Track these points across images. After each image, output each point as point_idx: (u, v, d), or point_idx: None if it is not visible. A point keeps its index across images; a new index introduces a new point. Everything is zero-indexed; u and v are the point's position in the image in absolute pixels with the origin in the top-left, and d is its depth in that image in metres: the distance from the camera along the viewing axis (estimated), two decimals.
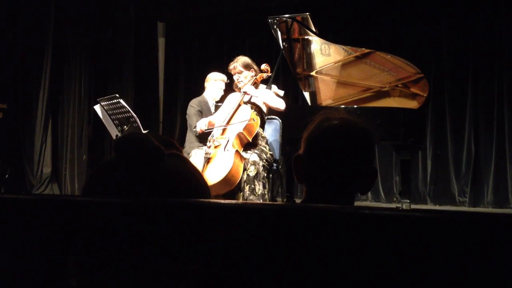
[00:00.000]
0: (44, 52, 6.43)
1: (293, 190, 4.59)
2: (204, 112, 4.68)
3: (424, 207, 5.99)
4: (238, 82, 4.29)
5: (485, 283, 0.47)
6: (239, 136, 3.91)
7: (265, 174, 3.86)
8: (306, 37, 4.60)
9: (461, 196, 6.01)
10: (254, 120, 3.91)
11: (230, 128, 3.97)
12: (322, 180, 1.32)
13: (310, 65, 4.73)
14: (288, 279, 0.59)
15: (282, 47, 4.59)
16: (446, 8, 6.21)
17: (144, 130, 4.46)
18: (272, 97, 4.20)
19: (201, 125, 4.27)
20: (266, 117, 4.30)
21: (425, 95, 4.37)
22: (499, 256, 0.47)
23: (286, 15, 4.50)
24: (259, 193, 3.76)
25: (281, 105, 4.17)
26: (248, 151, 3.92)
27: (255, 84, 4.26)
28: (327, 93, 4.79)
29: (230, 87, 4.71)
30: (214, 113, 4.68)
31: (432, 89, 5.44)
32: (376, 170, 1.39)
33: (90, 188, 0.75)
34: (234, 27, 7.36)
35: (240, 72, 4.26)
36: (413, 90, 4.44)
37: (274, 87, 4.37)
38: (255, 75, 4.26)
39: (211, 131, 4.09)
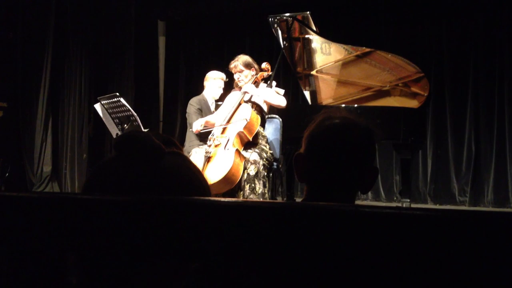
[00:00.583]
0: (44, 50, 6.43)
1: (293, 189, 4.59)
2: (204, 110, 4.68)
3: (424, 206, 5.99)
4: (239, 81, 4.29)
5: (486, 282, 0.47)
6: (240, 135, 3.91)
7: (265, 173, 3.86)
8: (306, 36, 4.60)
9: (461, 195, 6.01)
10: (247, 120, 3.90)
11: (230, 127, 3.97)
12: (323, 179, 1.32)
13: (310, 64, 4.73)
14: (289, 277, 0.59)
15: (282, 46, 4.59)
16: (446, 7, 6.21)
17: (144, 128, 4.45)
18: (272, 95, 4.20)
19: (196, 125, 4.28)
20: (266, 116, 4.30)
21: (425, 94, 4.37)
22: (499, 255, 0.47)
23: (287, 14, 4.49)
24: (259, 192, 3.76)
25: (282, 102, 4.17)
26: (249, 150, 3.92)
27: (256, 83, 4.26)
28: (328, 92, 4.79)
29: (229, 86, 4.71)
30: (214, 111, 4.68)
31: (433, 88, 5.45)
32: (377, 169, 1.39)
33: (90, 187, 0.75)
34: (235, 26, 7.36)
35: (240, 71, 4.25)
36: (414, 89, 4.44)
37: (274, 83, 4.36)
38: (256, 74, 4.26)
39: (211, 130, 4.09)
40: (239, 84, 4.30)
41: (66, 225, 0.60)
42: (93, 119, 6.73)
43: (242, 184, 3.78)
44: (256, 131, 4.01)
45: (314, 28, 4.51)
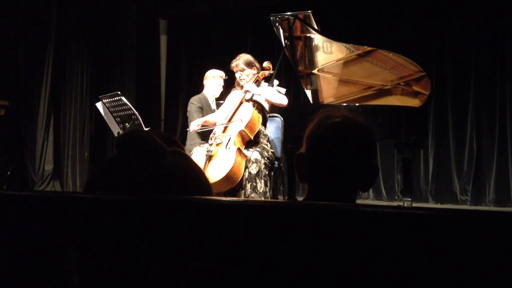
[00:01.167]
0: (46, 49, 6.44)
1: (294, 188, 4.59)
2: (204, 109, 4.69)
3: (425, 205, 5.98)
4: (240, 80, 4.29)
5: (487, 282, 0.47)
6: (241, 134, 3.91)
7: (267, 172, 3.86)
8: (308, 35, 4.59)
9: (463, 194, 6.01)
10: (241, 121, 3.91)
11: (231, 125, 3.97)
12: (325, 178, 1.32)
13: (312, 63, 4.73)
14: (290, 276, 0.59)
15: (284, 45, 4.59)
16: (448, 7, 6.20)
17: (146, 127, 4.46)
18: (274, 94, 4.20)
19: (193, 125, 4.29)
20: (268, 115, 4.29)
21: (427, 93, 4.36)
22: (500, 255, 0.47)
23: (288, 13, 4.49)
24: (261, 191, 3.76)
25: (283, 100, 4.17)
26: (250, 149, 3.92)
27: (257, 82, 4.26)
28: (329, 91, 4.79)
29: (230, 84, 4.71)
30: (214, 110, 4.68)
31: (434, 87, 5.44)
32: (377, 167, 1.39)
33: (92, 185, 0.75)
34: (236, 24, 7.36)
35: (242, 70, 4.25)
36: (415, 88, 4.43)
37: (276, 82, 4.36)
38: (257, 73, 4.26)
39: (212, 129, 4.09)
40: (241, 83, 4.29)
41: (68, 224, 0.60)
42: (94, 117, 6.73)
43: (244, 183, 3.78)
44: (257, 130, 4.01)
45: (316, 27, 4.51)
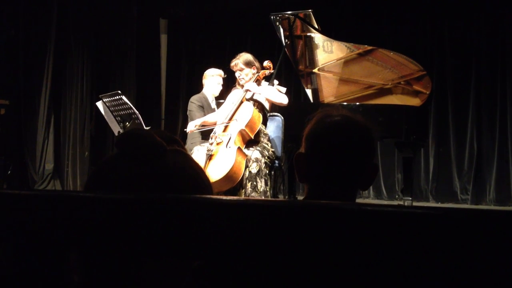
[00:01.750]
0: (46, 48, 6.44)
1: (295, 187, 4.59)
2: (205, 108, 4.70)
3: (426, 204, 5.98)
4: (240, 79, 4.29)
5: (487, 281, 0.47)
6: (241, 133, 3.91)
7: (267, 171, 3.86)
8: (308, 34, 4.59)
9: (463, 193, 6.01)
10: (242, 120, 3.91)
11: (232, 125, 3.97)
12: (325, 177, 1.32)
13: (312, 62, 4.73)
14: (290, 275, 0.59)
15: (284, 44, 4.59)
16: (449, 6, 6.20)
17: (146, 126, 4.46)
18: (274, 93, 4.20)
19: (191, 126, 4.30)
20: (268, 114, 4.30)
21: (427, 93, 4.36)
22: (501, 254, 0.47)
23: (289, 12, 4.49)
24: (261, 190, 3.77)
25: (284, 100, 4.17)
26: (250, 148, 3.92)
27: (258, 81, 4.26)
28: (329, 90, 4.79)
29: (229, 83, 4.72)
30: (215, 109, 4.69)
31: (435, 86, 5.44)
32: (377, 166, 1.39)
33: (92, 184, 0.75)
34: (237, 23, 7.36)
35: (241, 70, 4.25)
36: (416, 87, 4.43)
37: (276, 82, 4.36)
38: (257, 72, 4.26)
39: (212, 129, 4.09)
40: (240, 83, 4.30)
41: (68, 223, 0.60)
42: (95, 116, 6.73)
43: (244, 182, 3.78)
44: (258, 129, 4.01)
45: (316, 26, 4.51)
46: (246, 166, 3.79)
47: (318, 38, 4.58)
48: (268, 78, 4.37)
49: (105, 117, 4.84)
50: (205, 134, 4.36)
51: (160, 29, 7.79)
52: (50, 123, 6.53)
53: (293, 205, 0.54)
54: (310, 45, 4.65)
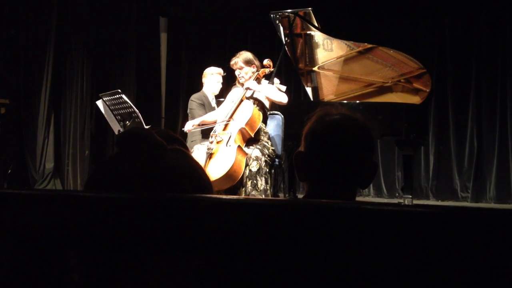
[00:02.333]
0: (46, 47, 6.44)
1: (295, 186, 4.59)
2: (205, 106, 4.71)
3: (426, 202, 5.99)
4: (239, 78, 4.29)
5: (487, 279, 0.47)
6: (241, 132, 3.91)
7: (267, 170, 3.86)
8: (308, 32, 4.59)
9: (464, 191, 6.01)
10: (236, 119, 3.92)
11: (232, 123, 3.98)
12: (325, 175, 1.32)
13: (312, 60, 4.72)
14: (290, 274, 0.59)
15: (284, 42, 4.58)
16: (449, 4, 6.19)
17: (146, 125, 4.46)
18: (274, 92, 4.20)
19: (188, 125, 4.30)
20: (268, 113, 4.29)
21: (427, 90, 4.35)
22: (501, 252, 0.47)
23: (289, 10, 4.48)
24: (261, 188, 3.77)
25: (284, 98, 4.17)
26: (250, 147, 3.92)
27: (258, 79, 4.26)
28: (329, 88, 4.78)
29: (229, 81, 4.72)
30: (215, 107, 4.69)
31: (435, 84, 5.44)
32: (376, 164, 1.39)
33: (93, 184, 0.75)
34: (237, 22, 7.35)
35: (241, 68, 4.25)
36: (416, 85, 4.43)
37: (276, 81, 4.36)
38: (257, 71, 4.26)
39: (212, 127, 4.09)
40: (240, 81, 4.30)
41: (68, 223, 0.60)
42: (95, 115, 6.73)
43: (244, 180, 3.79)
44: (258, 127, 4.01)
45: (316, 24, 4.50)
46: (246, 165, 3.79)
47: (318, 36, 4.58)
48: (268, 77, 4.37)
49: (105, 116, 4.84)
50: (205, 133, 4.36)
51: (160, 27, 7.78)
52: (50, 122, 6.53)
53: (293, 204, 0.54)
54: (310, 43, 4.65)
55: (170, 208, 0.56)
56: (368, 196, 6.40)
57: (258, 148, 3.90)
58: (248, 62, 4.25)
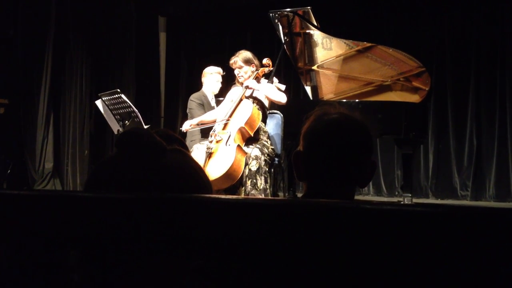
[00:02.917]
0: (45, 47, 6.43)
1: (294, 185, 4.59)
2: (205, 106, 4.71)
3: (426, 201, 5.99)
4: (239, 77, 4.29)
5: (486, 278, 0.47)
6: (241, 131, 3.91)
7: (267, 169, 3.86)
8: (307, 31, 4.58)
9: (463, 190, 6.01)
10: (236, 118, 3.92)
11: (231, 122, 3.98)
12: (323, 174, 1.32)
13: (311, 59, 4.72)
14: (290, 273, 0.60)
15: (283, 41, 4.58)
16: (448, 2, 6.19)
17: (145, 125, 4.46)
18: (273, 91, 4.20)
19: (186, 125, 4.31)
20: (268, 112, 4.30)
21: (427, 89, 4.36)
22: (500, 250, 0.47)
23: (288, 9, 4.48)
24: (261, 187, 3.77)
25: (282, 98, 4.17)
26: (250, 146, 3.92)
27: (257, 79, 4.26)
28: (329, 87, 4.78)
29: (228, 80, 4.72)
30: (214, 107, 4.69)
31: (434, 82, 5.44)
32: (375, 163, 1.39)
33: (92, 184, 0.75)
34: (236, 21, 7.35)
35: (240, 67, 4.25)
36: (415, 83, 4.43)
37: (276, 80, 4.36)
38: (256, 70, 4.26)
39: (212, 127, 4.09)
40: (239, 80, 4.30)
41: (68, 223, 0.60)
42: (94, 115, 6.73)
43: (244, 179, 3.79)
44: (257, 126, 4.01)
45: (315, 23, 4.50)
46: (246, 164, 3.79)
47: (317, 35, 4.58)
48: (268, 76, 4.37)
49: (105, 115, 4.84)
50: (205, 132, 4.36)
51: (159, 27, 7.78)
52: (50, 122, 6.53)
53: (293, 204, 0.54)
54: (309, 42, 4.64)
55: (170, 207, 0.56)
56: (367, 195, 6.40)
57: (258, 147, 3.90)
58: (247, 61, 4.25)
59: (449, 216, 0.49)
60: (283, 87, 4.32)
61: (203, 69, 5.02)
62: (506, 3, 5.87)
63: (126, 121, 4.59)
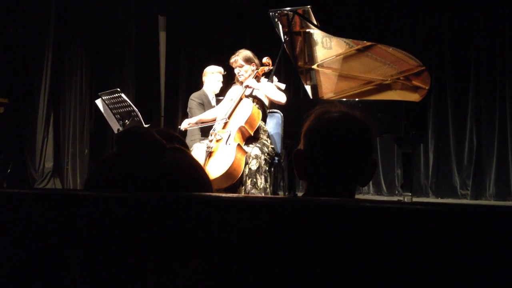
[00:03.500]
0: (45, 46, 6.43)
1: (295, 184, 4.60)
2: (205, 105, 4.70)
3: (426, 200, 5.99)
4: (239, 76, 4.29)
5: (486, 277, 0.47)
6: (241, 130, 3.91)
7: (267, 168, 3.86)
8: (307, 30, 4.58)
9: (463, 189, 6.02)
10: (236, 117, 3.92)
11: (231, 121, 3.98)
12: (324, 173, 1.32)
13: (311, 58, 4.72)
14: (290, 272, 0.59)
15: (283, 40, 4.58)
16: (448, 1, 6.19)
17: (145, 124, 4.46)
18: (273, 90, 4.20)
19: (184, 124, 4.31)
20: (268, 111, 4.30)
21: (427, 88, 4.36)
22: (501, 250, 0.47)
23: (287, 8, 4.48)
24: (261, 186, 3.77)
25: (282, 98, 4.17)
26: (250, 145, 3.92)
27: (257, 78, 4.26)
28: (329, 86, 4.78)
29: (229, 80, 4.71)
30: (215, 106, 4.69)
31: (434, 81, 5.44)
32: (375, 161, 1.39)
33: (92, 183, 0.75)
34: (235, 20, 7.35)
35: (240, 66, 4.25)
36: (415, 82, 4.43)
37: (275, 79, 4.36)
38: (257, 69, 4.26)
39: (212, 126, 4.09)
40: (240, 79, 4.30)
41: (68, 222, 0.60)
42: (94, 114, 6.73)
43: (244, 179, 3.79)
44: (257, 125, 4.01)
45: (315, 22, 4.50)
46: (246, 163, 3.79)
47: (317, 34, 4.58)
48: (267, 75, 4.37)
49: (105, 115, 4.84)
50: (205, 131, 4.36)
51: (159, 26, 7.78)
52: (50, 121, 6.53)
53: (293, 202, 0.54)
54: (309, 41, 4.64)
55: (170, 207, 0.56)
56: (367, 194, 6.40)
57: (258, 147, 3.90)
58: (247, 60, 4.25)
59: (450, 214, 0.49)
60: (283, 86, 4.32)
61: (203, 68, 5.01)
62: (506, 3, 5.87)
63: (126, 120, 4.59)
